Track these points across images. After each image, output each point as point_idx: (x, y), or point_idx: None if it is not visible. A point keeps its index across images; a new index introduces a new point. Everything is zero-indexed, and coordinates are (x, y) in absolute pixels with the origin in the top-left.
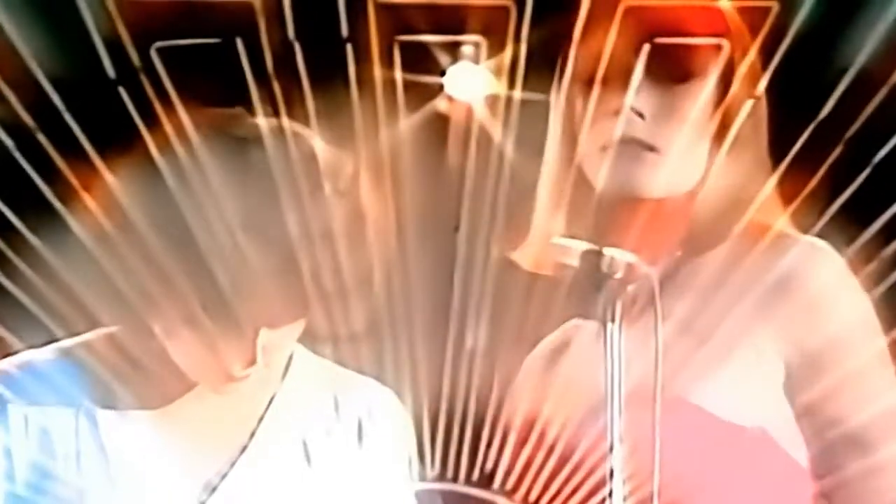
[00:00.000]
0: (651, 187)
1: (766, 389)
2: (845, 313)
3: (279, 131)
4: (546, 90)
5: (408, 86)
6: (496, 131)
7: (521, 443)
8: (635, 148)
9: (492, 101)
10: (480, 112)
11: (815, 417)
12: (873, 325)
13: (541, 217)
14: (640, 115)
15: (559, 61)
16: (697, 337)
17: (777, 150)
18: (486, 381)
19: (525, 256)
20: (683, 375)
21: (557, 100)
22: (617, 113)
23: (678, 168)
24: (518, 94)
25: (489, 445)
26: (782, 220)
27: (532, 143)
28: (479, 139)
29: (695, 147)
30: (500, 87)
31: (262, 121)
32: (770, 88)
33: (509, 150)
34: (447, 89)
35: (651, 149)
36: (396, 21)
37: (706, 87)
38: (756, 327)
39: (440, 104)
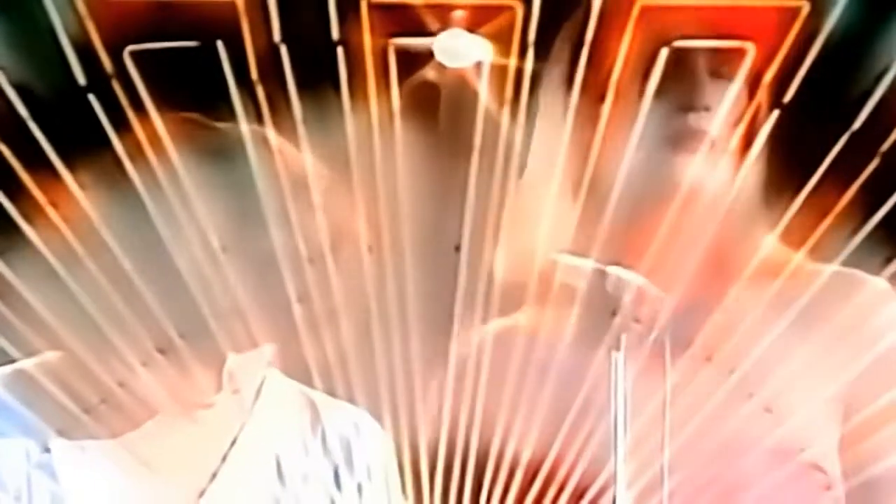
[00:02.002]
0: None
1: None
2: None
3: (245, 137)
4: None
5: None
6: (503, 117)
7: (530, 480)
8: (701, 141)
9: (497, 77)
10: (476, 83)
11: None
12: None
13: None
14: (707, 110)
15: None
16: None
17: (806, 163)
18: (490, 412)
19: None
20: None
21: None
22: (681, 108)
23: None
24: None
25: (493, 482)
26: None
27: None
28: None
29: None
30: (506, 58)
31: (225, 126)
32: (798, 96)
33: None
34: (437, 56)
35: (713, 143)
36: (391, 22)
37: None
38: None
39: (429, 73)
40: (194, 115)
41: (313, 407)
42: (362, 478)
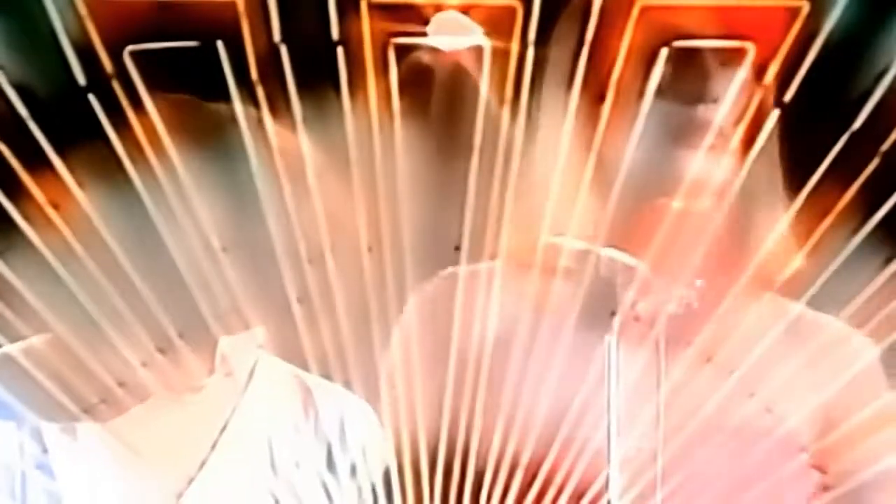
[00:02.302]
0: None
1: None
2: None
3: (244, 132)
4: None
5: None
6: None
7: (530, 480)
8: (709, 134)
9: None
10: (477, 76)
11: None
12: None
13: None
14: (716, 101)
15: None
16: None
17: (806, 163)
18: (490, 411)
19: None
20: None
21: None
22: (689, 100)
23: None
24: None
25: (493, 483)
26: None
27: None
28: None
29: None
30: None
31: (220, 107)
32: (799, 96)
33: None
34: (431, 41)
35: (721, 134)
36: (392, 22)
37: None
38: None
39: (423, 56)
40: (188, 97)
41: (306, 388)
42: (357, 458)
